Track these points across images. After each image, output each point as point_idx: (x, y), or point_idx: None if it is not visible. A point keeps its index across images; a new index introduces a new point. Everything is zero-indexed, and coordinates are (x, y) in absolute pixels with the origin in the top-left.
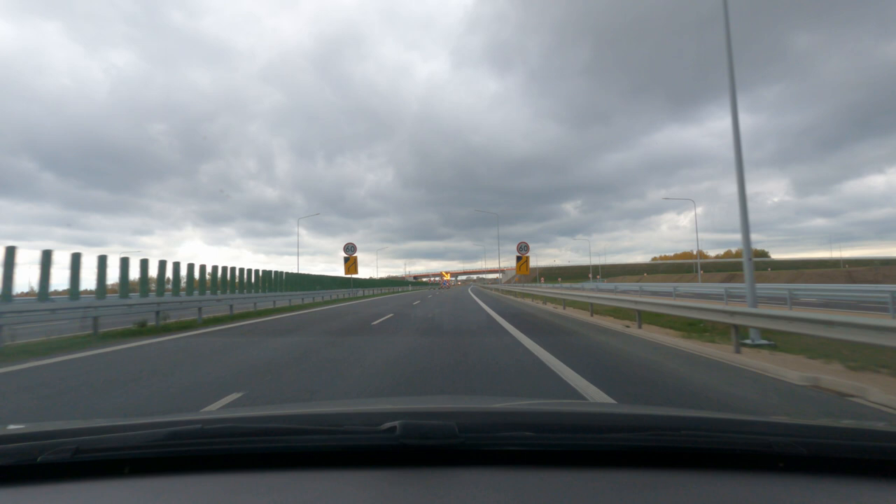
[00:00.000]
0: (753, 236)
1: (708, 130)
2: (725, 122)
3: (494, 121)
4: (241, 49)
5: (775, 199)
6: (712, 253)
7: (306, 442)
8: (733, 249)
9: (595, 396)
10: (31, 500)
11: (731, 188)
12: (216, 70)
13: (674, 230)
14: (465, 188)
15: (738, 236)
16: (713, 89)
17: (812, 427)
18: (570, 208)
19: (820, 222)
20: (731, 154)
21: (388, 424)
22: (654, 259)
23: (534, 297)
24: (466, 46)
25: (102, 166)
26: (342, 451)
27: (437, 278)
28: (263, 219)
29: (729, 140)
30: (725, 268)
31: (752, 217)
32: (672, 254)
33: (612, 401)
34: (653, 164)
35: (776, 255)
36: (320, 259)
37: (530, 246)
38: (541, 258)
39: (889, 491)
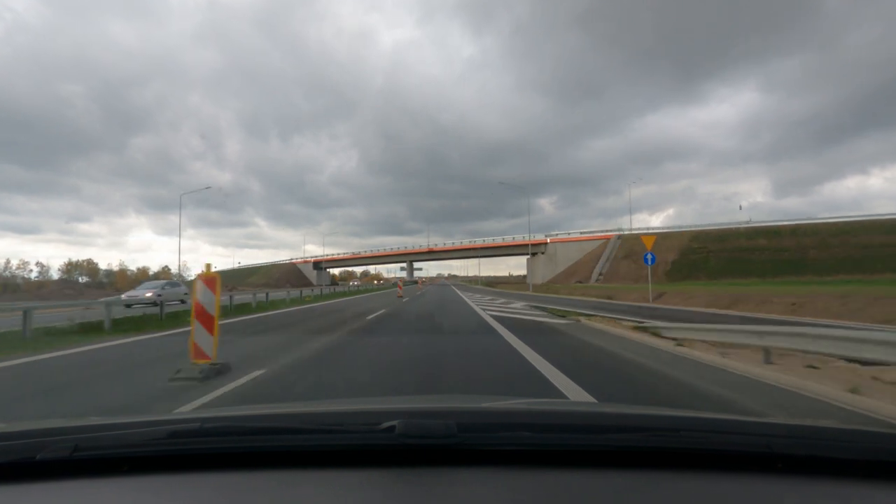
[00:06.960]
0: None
1: (708, 116)
2: (726, 107)
3: (469, 95)
4: (172, 1)
5: (749, 201)
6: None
7: (306, 441)
8: None
9: None
10: (30, 497)
11: (710, 187)
12: (143, 25)
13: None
14: (436, 176)
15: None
16: (731, 58)
17: (811, 428)
18: (546, 204)
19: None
20: (722, 145)
21: (387, 423)
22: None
23: None
24: None
25: (8, 135)
26: (342, 451)
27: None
28: (216, 206)
29: (724, 130)
30: None
31: (721, 219)
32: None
33: None
34: (638, 155)
35: None
36: (284, 254)
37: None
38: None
39: (887, 492)
